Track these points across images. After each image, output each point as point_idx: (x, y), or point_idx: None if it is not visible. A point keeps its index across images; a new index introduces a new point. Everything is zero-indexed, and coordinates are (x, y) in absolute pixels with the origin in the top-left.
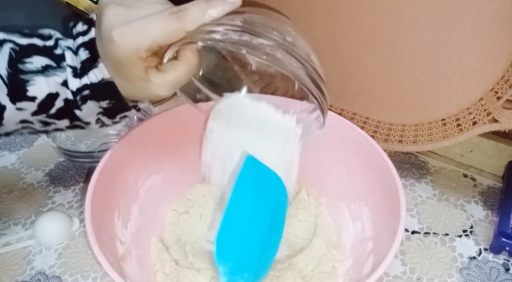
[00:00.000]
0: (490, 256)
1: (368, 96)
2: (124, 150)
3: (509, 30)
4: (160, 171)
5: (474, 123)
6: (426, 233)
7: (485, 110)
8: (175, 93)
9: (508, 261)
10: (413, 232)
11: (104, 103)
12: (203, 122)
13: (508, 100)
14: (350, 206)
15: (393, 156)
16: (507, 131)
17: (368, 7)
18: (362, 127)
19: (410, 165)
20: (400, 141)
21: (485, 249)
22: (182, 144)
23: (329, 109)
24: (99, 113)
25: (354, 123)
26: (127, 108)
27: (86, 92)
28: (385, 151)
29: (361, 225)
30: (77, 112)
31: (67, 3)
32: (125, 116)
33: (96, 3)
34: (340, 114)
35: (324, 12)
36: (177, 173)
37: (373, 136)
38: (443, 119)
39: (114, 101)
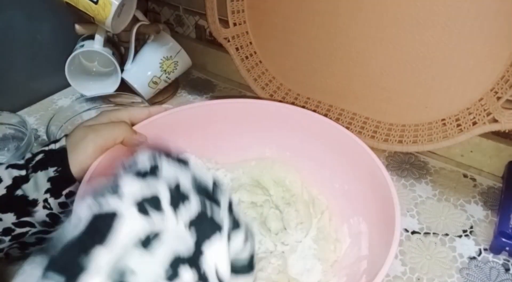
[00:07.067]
0: (490, 256)
1: (368, 96)
2: (121, 149)
3: (509, 30)
4: None
5: (474, 123)
6: (426, 233)
7: (485, 110)
8: (173, 93)
9: (508, 261)
10: (413, 232)
11: (52, 171)
12: (205, 122)
13: (508, 100)
14: (349, 221)
15: (393, 156)
16: (507, 131)
17: (368, 8)
18: (362, 128)
19: (410, 165)
20: (400, 141)
21: (485, 249)
22: (182, 147)
23: (330, 110)
24: (46, 191)
25: (354, 123)
26: (72, 179)
27: (40, 156)
28: (385, 151)
29: (358, 242)
30: (23, 186)
31: (67, 3)
32: (71, 193)
33: (96, 3)
34: (340, 114)
35: (324, 12)
36: None
37: (373, 137)
38: (443, 119)
39: (60, 168)
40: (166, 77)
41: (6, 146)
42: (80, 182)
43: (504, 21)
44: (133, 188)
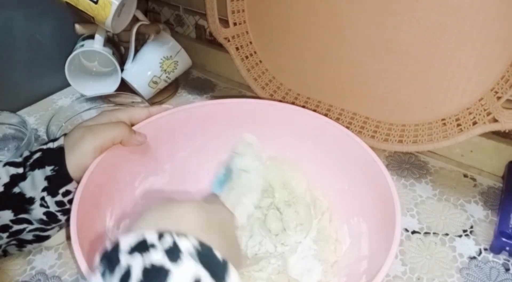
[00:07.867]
0: (490, 256)
1: (368, 96)
2: (120, 149)
3: (510, 30)
4: (158, 172)
5: (474, 123)
6: (426, 233)
7: (485, 110)
8: (173, 93)
9: (508, 261)
10: (413, 232)
11: (49, 170)
12: (205, 122)
13: (508, 100)
14: (349, 221)
15: (393, 155)
16: (507, 131)
17: (368, 7)
18: (362, 128)
19: (410, 165)
20: (400, 141)
21: (485, 249)
22: (182, 147)
23: (330, 109)
24: (43, 189)
25: (354, 123)
26: (68, 179)
27: (38, 155)
28: (385, 150)
29: (358, 242)
30: (21, 184)
31: (67, 3)
32: (67, 192)
33: (96, 3)
34: (340, 114)
35: (324, 12)
36: (177, 176)
37: (373, 137)
38: (443, 119)
39: (57, 167)
40: (166, 77)
41: (6, 145)
42: (77, 181)
43: (504, 21)
44: None
